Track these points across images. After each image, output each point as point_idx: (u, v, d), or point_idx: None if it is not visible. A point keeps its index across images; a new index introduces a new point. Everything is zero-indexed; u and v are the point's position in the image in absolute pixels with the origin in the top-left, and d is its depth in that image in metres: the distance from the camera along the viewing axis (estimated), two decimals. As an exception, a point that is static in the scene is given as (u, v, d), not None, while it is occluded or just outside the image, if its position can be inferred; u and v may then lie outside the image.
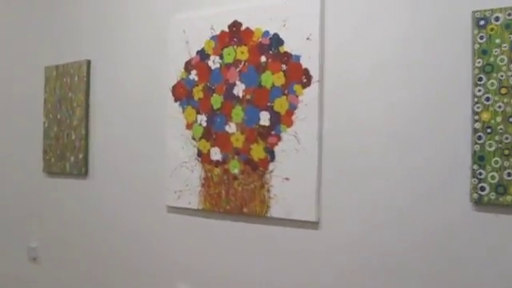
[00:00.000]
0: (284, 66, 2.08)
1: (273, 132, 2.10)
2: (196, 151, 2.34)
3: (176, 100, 2.41)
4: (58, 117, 2.92)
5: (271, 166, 2.11)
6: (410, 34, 1.85)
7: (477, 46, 1.71)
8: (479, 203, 1.70)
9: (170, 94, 2.44)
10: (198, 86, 2.33)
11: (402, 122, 1.86)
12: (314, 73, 2.02)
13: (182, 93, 2.39)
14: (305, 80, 2.03)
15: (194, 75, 2.35)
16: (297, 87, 2.05)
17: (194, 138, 2.34)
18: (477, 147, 1.71)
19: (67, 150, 2.86)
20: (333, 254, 1.99)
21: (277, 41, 2.11)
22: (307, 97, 2.03)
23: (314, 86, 2.02)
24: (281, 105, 2.08)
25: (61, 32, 3.02)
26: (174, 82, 2.43)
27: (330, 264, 2.00)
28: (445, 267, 1.74)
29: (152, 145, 2.57)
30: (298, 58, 2.05)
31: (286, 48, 2.09)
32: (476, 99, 1.71)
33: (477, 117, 1.71)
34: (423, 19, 1.81)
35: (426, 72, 1.81)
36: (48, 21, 3.10)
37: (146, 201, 2.59)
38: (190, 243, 2.41)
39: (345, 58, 1.98)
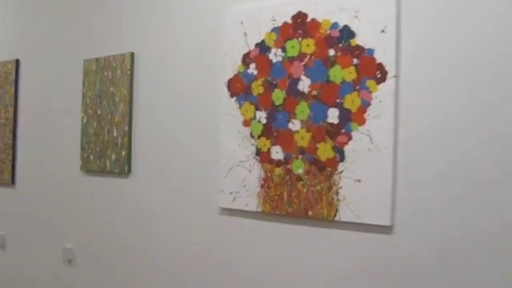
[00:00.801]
0: (355, 60, 2.00)
1: (342, 130, 2.02)
2: (254, 150, 2.25)
3: (232, 95, 2.33)
4: (98, 112, 2.83)
5: (341, 167, 2.02)
6: (501, 29, 1.73)
7: None
8: None
9: (226, 88, 2.35)
10: (257, 80, 2.24)
11: (486, 121, 1.77)
12: (390, 68, 1.93)
13: (238, 87, 2.30)
14: (379, 75, 1.94)
15: (252, 69, 2.26)
16: (370, 83, 1.95)
17: (252, 136, 2.26)
18: None
19: (108, 147, 2.77)
20: (407, 260, 1.91)
21: (348, 33, 2.02)
22: (382, 93, 1.94)
23: (389, 82, 1.92)
24: (352, 101, 1.99)
25: (101, 23, 2.96)
26: (230, 75, 2.34)
27: (405, 272, 1.91)
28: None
29: (203, 143, 2.49)
30: (371, 51, 1.96)
31: (357, 41, 2.01)
32: None
33: None
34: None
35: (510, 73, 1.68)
36: (87, 11, 3.05)
37: (195, 202, 2.52)
38: (247, 248, 2.33)
39: (423, 53, 1.90)
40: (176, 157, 2.59)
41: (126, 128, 2.71)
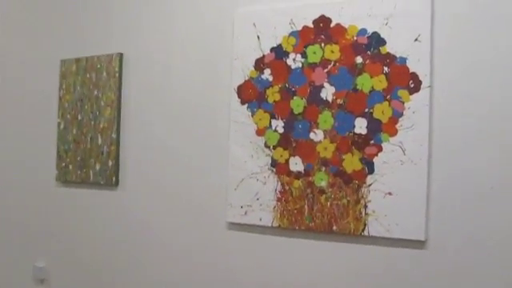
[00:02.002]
0: (386, 69, 1.96)
1: (372, 141, 1.99)
2: (269, 161, 2.18)
3: (243, 102, 2.24)
4: (79, 118, 2.65)
5: (370, 179, 1.99)
6: None
7: None
8: None
9: (235, 95, 2.25)
10: (272, 86, 2.17)
11: None
12: (424, 78, 1.93)
13: (251, 94, 2.22)
14: (412, 85, 1.93)
15: (267, 74, 2.19)
16: (402, 93, 1.94)
17: (267, 146, 2.18)
18: None
19: (91, 156, 2.60)
20: (441, 276, 1.91)
21: (377, 40, 2.00)
22: (415, 103, 1.93)
23: (423, 92, 1.92)
24: (382, 111, 1.96)
25: (84, 19, 2.77)
26: (241, 81, 2.26)
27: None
28: None
29: (208, 153, 2.39)
30: (403, 60, 1.95)
31: (388, 49, 1.99)
32: None
33: None
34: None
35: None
36: (66, 4, 2.80)
37: (197, 217, 2.40)
38: (260, 265, 2.25)
39: (457, 63, 1.91)
40: (174, 168, 2.47)
41: (114, 135, 2.55)
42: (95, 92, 2.62)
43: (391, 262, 1.99)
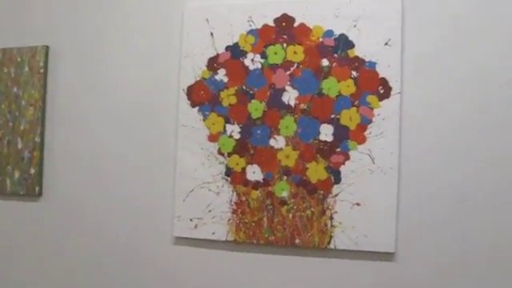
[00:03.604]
0: (354, 73, 1.90)
1: (338, 149, 1.92)
2: (224, 169, 2.04)
3: (194, 105, 2.09)
4: (-9, 118, 2.33)
5: (336, 189, 1.92)
6: (503, 53, 1.83)
7: None
8: None
9: (185, 96, 2.09)
10: (228, 88, 2.04)
11: (491, 141, 1.83)
12: (395, 83, 1.89)
13: (202, 96, 2.07)
14: (382, 91, 1.89)
15: (222, 75, 2.05)
16: (371, 98, 1.89)
17: (220, 153, 2.03)
18: None
19: (8, 162, 2.33)
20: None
21: (345, 43, 1.93)
22: (385, 110, 1.89)
23: (394, 99, 1.89)
24: (350, 117, 1.90)
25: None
26: (191, 82, 2.10)
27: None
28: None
29: (152, 160, 2.20)
30: (373, 64, 1.90)
31: (356, 52, 1.93)
32: None
33: None
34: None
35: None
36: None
37: (138, 232, 2.20)
38: (212, 282, 2.10)
39: (429, 69, 1.90)
40: (110, 176, 2.25)
41: (37, 139, 2.29)
42: (14, 89, 2.34)
43: (359, 276, 1.94)
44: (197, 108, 2.09)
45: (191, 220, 2.08)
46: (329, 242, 1.94)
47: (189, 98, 2.10)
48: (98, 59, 2.27)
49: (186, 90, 2.11)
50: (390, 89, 1.89)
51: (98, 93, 2.24)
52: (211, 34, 2.09)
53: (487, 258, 1.80)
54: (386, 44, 1.90)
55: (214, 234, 2.06)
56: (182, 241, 2.12)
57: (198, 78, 2.09)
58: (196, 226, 2.08)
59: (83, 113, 2.26)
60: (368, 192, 1.91)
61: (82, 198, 2.26)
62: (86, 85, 2.27)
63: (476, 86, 1.84)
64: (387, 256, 1.91)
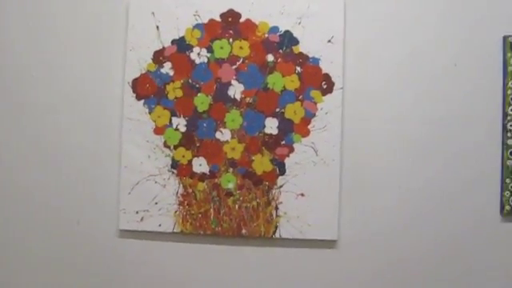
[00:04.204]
0: (298, 69, 1.99)
1: (283, 142, 2.01)
2: (170, 162, 2.07)
3: (139, 98, 2.11)
4: None
5: (281, 181, 2.01)
6: (438, 46, 2.01)
7: (510, 68, 1.91)
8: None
9: (130, 89, 2.10)
10: (173, 82, 2.08)
11: (431, 135, 2.00)
12: (337, 79, 2.00)
13: (148, 89, 2.10)
14: (325, 86, 1.99)
15: (167, 68, 2.08)
16: (315, 93, 1.99)
17: (166, 146, 2.07)
18: (510, 162, 1.89)
19: None
20: (353, 274, 2.02)
21: (290, 39, 2.03)
22: (328, 104, 2.00)
23: (336, 94, 2.00)
24: (294, 111, 2.00)
25: None
26: (136, 74, 2.11)
27: (351, 286, 1.98)
28: (469, 278, 1.96)
29: (96, 153, 2.17)
30: (316, 61, 2.00)
31: (301, 48, 2.03)
32: (509, 117, 1.89)
33: (509, 134, 1.89)
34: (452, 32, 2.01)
35: (455, 86, 2.00)
36: None
37: (83, 226, 2.17)
38: (160, 274, 2.12)
39: (369, 66, 2.04)
40: (53, 169, 2.19)
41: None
42: None
43: (303, 263, 2.04)
44: (142, 101, 2.10)
45: (137, 212, 2.09)
46: (274, 232, 2.01)
47: (134, 91, 2.10)
48: (31, 50, 2.20)
49: (131, 83, 2.11)
50: (332, 84, 1.99)
51: (40, 84, 2.18)
52: (157, 27, 2.10)
53: (428, 244, 1.97)
54: (329, 41, 2.00)
55: (160, 225, 2.08)
56: (127, 234, 2.12)
57: (144, 71, 2.10)
58: (142, 219, 2.09)
59: (23, 106, 2.19)
60: (312, 183, 1.99)
61: (15, 192, 2.20)
62: (16, 75, 2.18)
63: (415, 79, 2.02)
64: (330, 243, 2.01)
